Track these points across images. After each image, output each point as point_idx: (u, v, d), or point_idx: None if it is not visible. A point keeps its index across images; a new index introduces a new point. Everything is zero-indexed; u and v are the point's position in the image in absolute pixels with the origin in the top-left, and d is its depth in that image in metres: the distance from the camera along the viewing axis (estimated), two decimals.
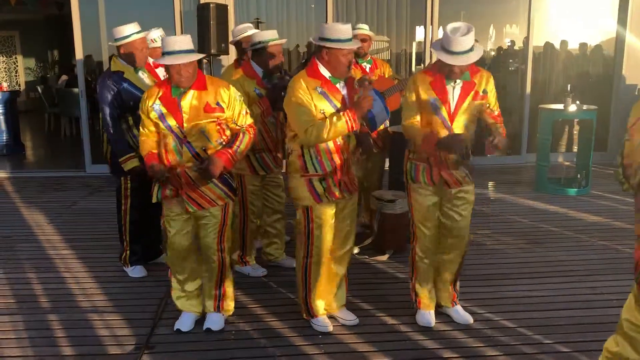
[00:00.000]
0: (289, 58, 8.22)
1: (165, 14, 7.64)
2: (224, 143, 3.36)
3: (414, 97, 3.33)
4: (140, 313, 3.81)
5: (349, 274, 3.73)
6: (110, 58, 4.19)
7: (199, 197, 3.36)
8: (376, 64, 5.08)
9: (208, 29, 6.63)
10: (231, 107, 3.32)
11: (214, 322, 3.57)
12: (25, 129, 11.93)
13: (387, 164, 5.35)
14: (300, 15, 8.08)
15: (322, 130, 3.16)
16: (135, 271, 4.42)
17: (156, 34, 4.54)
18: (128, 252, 4.40)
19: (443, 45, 3.16)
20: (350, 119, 3.19)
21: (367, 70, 4.99)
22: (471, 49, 3.13)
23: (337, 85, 3.30)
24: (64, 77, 11.70)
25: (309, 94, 3.20)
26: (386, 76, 5.04)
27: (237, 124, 3.37)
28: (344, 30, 3.18)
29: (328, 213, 3.40)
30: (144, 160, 3.44)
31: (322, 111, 3.22)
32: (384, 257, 4.70)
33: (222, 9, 6.94)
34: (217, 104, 3.27)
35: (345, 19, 7.85)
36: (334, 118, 3.18)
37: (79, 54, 7.71)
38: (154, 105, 3.28)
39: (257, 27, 7.70)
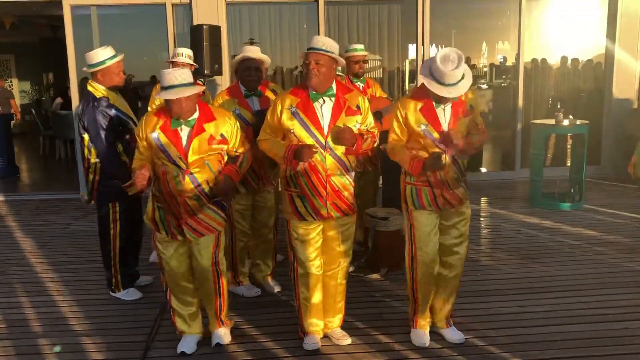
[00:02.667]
0: (282, 78, 8.27)
1: (159, 36, 7.72)
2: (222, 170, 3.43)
3: (401, 121, 3.33)
4: (133, 336, 3.78)
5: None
6: (82, 81, 4.19)
7: (197, 224, 3.36)
8: (368, 83, 5.13)
9: (201, 50, 6.67)
10: (233, 137, 3.38)
11: (220, 337, 3.59)
12: (20, 152, 11.94)
13: (380, 182, 5.36)
14: (293, 36, 8.15)
15: (268, 150, 3.40)
16: (130, 293, 4.37)
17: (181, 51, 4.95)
18: (119, 276, 4.34)
19: (434, 75, 3.14)
20: (287, 159, 3.27)
21: (361, 89, 5.04)
22: (462, 78, 3.14)
23: (316, 104, 3.28)
24: (59, 100, 11.74)
25: (279, 114, 3.30)
26: (377, 95, 5.08)
27: (237, 152, 3.46)
28: (318, 40, 3.25)
29: (307, 229, 3.39)
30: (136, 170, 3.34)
31: (291, 130, 3.25)
32: (378, 276, 4.68)
33: (216, 31, 6.99)
34: (222, 135, 3.32)
35: (337, 38, 7.92)
36: (279, 148, 3.31)
37: (73, 77, 7.75)
38: (152, 134, 3.27)
39: None
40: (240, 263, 4.35)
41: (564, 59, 8.76)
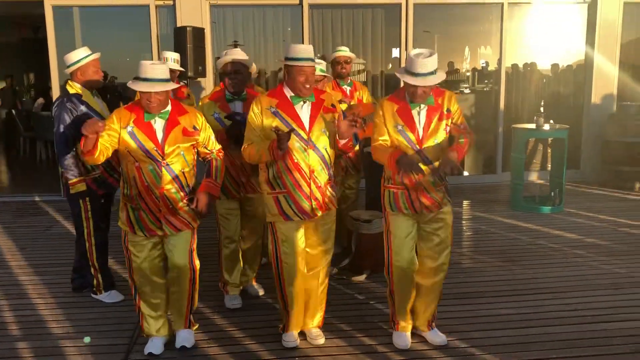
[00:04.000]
0: (266, 81, 8.27)
1: (142, 38, 7.67)
2: (194, 165, 3.50)
3: (382, 122, 3.39)
4: (114, 338, 3.75)
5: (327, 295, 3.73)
6: (65, 82, 4.23)
7: (175, 219, 3.40)
8: (356, 86, 5.15)
9: (185, 52, 6.66)
10: (204, 130, 3.49)
11: (186, 339, 3.58)
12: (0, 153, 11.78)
13: (363, 184, 5.38)
14: (277, 39, 8.16)
15: (250, 153, 3.39)
16: (112, 296, 4.34)
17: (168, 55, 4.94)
18: (100, 277, 4.30)
19: (407, 69, 3.24)
20: (272, 150, 3.26)
21: (348, 92, 5.06)
22: (434, 73, 3.20)
23: (297, 106, 3.37)
24: (41, 101, 11.60)
25: (259, 114, 3.37)
26: (364, 100, 5.10)
27: (207, 148, 3.53)
28: (302, 49, 3.32)
29: (294, 230, 3.43)
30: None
31: (274, 129, 3.28)
32: (362, 278, 4.71)
33: (199, 33, 6.98)
34: (194, 127, 3.42)
35: (321, 41, 7.96)
36: (263, 146, 3.32)
37: (54, 77, 7.67)
38: (127, 128, 3.31)
39: None
40: (227, 271, 4.22)
41: (544, 64, 8.88)
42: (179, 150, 3.36)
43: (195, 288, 3.59)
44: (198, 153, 3.55)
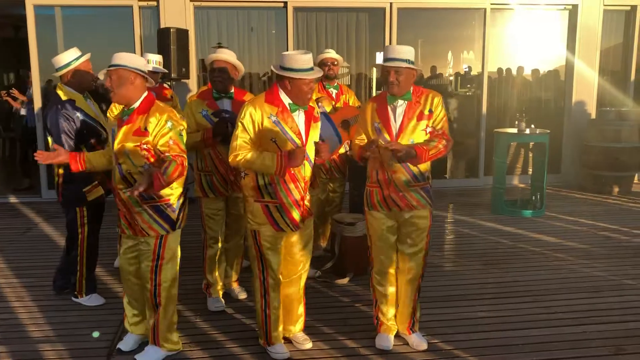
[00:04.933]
0: (250, 83, 8.25)
1: (125, 38, 7.62)
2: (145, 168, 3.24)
3: (363, 122, 3.47)
4: (95, 342, 3.70)
5: (308, 298, 3.73)
6: (54, 87, 4.16)
7: (132, 222, 3.33)
8: (342, 90, 5.18)
9: (169, 53, 6.62)
10: (155, 134, 3.18)
11: (147, 354, 3.44)
12: None
13: (347, 188, 5.40)
14: (262, 41, 8.15)
15: (251, 163, 3.22)
16: (92, 299, 4.29)
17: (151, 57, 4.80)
18: (83, 282, 4.26)
19: (384, 57, 3.36)
20: (281, 168, 3.18)
21: (334, 95, 5.07)
22: (407, 61, 3.28)
23: (294, 114, 3.31)
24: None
25: (259, 122, 3.23)
26: (350, 103, 5.12)
27: (161, 152, 3.18)
28: (306, 60, 3.23)
29: (278, 237, 3.40)
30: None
31: (273, 139, 3.23)
32: (345, 280, 4.71)
33: (183, 34, 6.95)
34: (145, 128, 3.20)
35: (306, 44, 7.96)
36: (267, 159, 3.19)
37: (35, 78, 7.58)
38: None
39: None
40: (209, 272, 4.20)
41: (526, 69, 8.99)
42: (124, 149, 3.22)
43: (160, 306, 3.38)
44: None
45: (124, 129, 3.25)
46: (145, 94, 3.30)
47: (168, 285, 3.39)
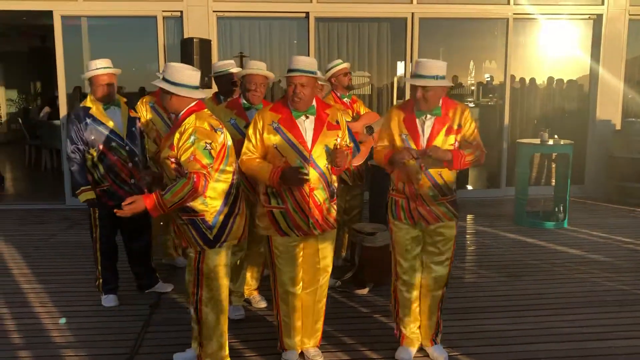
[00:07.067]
0: (272, 93, 8.31)
1: (149, 48, 7.72)
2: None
3: (388, 128, 3.42)
4: (115, 348, 3.74)
5: (328, 309, 3.71)
6: (73, 90, 4.39)
7: (178, 232, 3.34)
8: (353, 99, 5.18)
9: (192, 63, 6.69)
10: (178, 148, 3.04)
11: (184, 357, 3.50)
12: (6, 161, 11.83)
13: (367, 197, 5.38)
14: (283, 51, 8.20)
15: (249, 167, 3.33)
16: (107, 300, 4.44)
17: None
18: (100, 280, 4.46)
19: (412, 73, 3.30)
20: (272, 183, 3.25)
21: (348, 104, 5.08)
22: (436, 78, 3.21)
23: (298, 120, 3.31)
24: (47, 109, 11.66)
25: (260, 130, 3.31)
26: (362, 112, 5.12)
27: (182, 167, 3.04)
28: (294, 60, 3.29)
29: (289, 245, 3.39)
30: None
31: (274, 145, 3.28)
32: (365, 291, 4.69)
33: (206, 44, 7.02)
34: (172, 142, 3.09)
35: (328, 53, 7.99)
36: (264, 170, 3.26)
37: (61, 86, 7.72)
38: None
39: (241, 62, 7.83)
40: (231, 280, 4.16)
41: (549, 79, 8.90)
42: (162, 161, 3.19)
43: (200, 324, 3.31)
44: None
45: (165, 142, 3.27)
46: (193, 104, 3.13)
47: (208, 303, 3.23)
